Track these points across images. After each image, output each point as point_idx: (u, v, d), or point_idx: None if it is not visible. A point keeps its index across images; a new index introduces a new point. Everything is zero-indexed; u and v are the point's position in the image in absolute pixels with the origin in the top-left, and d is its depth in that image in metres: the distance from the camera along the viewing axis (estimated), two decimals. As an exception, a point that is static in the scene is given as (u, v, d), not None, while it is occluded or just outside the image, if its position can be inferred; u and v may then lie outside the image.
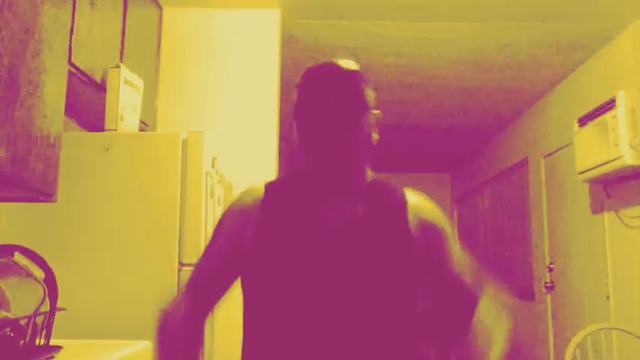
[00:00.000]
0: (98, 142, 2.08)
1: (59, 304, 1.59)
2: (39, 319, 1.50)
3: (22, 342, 1.42)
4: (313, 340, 1.09)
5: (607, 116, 3.17)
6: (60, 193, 1.66)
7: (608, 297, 3.47)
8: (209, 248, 1.24)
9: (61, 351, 1.55)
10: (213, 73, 3.02)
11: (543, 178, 4.59)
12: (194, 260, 1.32)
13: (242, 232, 1.17)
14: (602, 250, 3.55)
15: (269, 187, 1.22)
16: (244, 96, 2.99)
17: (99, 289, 2.00)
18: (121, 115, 2.20)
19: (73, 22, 1.92)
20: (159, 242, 2.02)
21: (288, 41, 3.37)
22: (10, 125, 1.38)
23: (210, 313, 1.30)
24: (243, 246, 1.16)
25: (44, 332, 1.53)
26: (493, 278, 1.26)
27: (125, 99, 2.23)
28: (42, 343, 1.52)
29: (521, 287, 5.02)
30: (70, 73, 1.88)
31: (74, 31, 1.93)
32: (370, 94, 1.21)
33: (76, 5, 1.95)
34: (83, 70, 2.01)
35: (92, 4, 2.09)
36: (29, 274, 1.54)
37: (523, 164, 5.09)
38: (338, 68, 1.18)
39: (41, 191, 1.56)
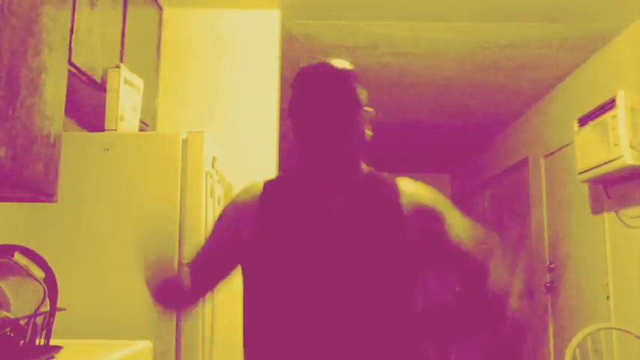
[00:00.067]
0: (98, 142, 2.07)
1: (59, 304, 1.59)
2: (39, 319, 1.50)
3: (22, 342, 1.42)
4: (310, 328, 1.12)
5: (607, 116, 3.16)
6: (60, 193, 1.65)
7: (608, 297, 3.47)
8: (209, 238, 1.34)
9: (61, 351, 1.55)
10: (213, 73, 3.02)
11: (543, 178, 4.59)
12: (194, 260, 1.37)
13: (240, 227, 1.23)
14: (602, 250, 3.55)
15: (267, 184, 1.27)
16: (244, 96, 2.99)
17: (99, 289, 2.00)
18: (121, 115, 2.20)
19: (73, 22, 1.92)
20: (159, 242, 2.02)
21: (288, 41, 3.37)
22: (10, 125, 1.38)
23: (205, 294, 1.47)
24: (240, 239, 1.22)
25: (44, 332, 1.53)
26: (502, 243, 1.26)
27: (125, 99, 2.23)
28: (42, 343, 1.52)
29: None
30: (70, 73, 1.88)
31: (74, 31, 1.93)
32: (363, 93, 1.23)
33: (76, 5, 1.94)
34: (83, 70, 2.01)
35: (92, 4, 2.09)
36: (29, 274, 1.54)
37: (523, 164, 5.09)
38: (331, 68, 1.21)
39: (41, 191, 1.56)
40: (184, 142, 2.11)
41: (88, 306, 1.96)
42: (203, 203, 2.09)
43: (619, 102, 3.07)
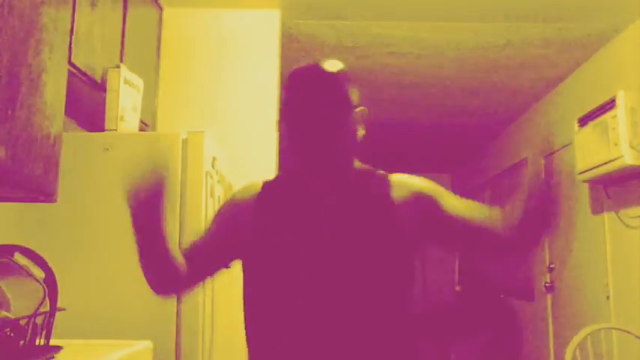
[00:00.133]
0: (98, 142, 2.07)
1: (59, 304, 1.59)
2: (39, 319, 1.50)
3: (22, 342, 1.42)
4: (306, 322, 1.15)
5: (607, 116, 3.16)
6: (60, 193, 1.65)
7: (608, 297, 3.46)
8: (206, 230, 1.36)
9: (61, 351, 1.55)
10: (213, 73, 3.02)
11: (543, 178, 4.58)
12: (194, 260, 1.37)
13: (238, 224, 1.27)
14: (602, 250, 3.55)
15: (266, 184, 1.30)
16: (244, 96, 2.99)
17: (99, 289, 2.00)
18: (121, 115, 2.20)
19: (73, 22, 1.92)
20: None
21: (288, 41, 3.37)
22: (10, 125, 1.38)
23: (197, 283, 1.46)
24: (237, 236, 1.27)
25: (44, 332, 1.53)
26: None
27: (125, 99, 2.23)
28: (42, 343, 1.52)
29: (521, 287, 5.02)
30: (70, 73, 1.88)
31: (74, 31, 1.93)
32: (354, 93, 1.25)
33: (76, 5, 1.94)
34: (83, 70, 2.01)
35: (92, 4, 2.09)
36: (29, 274, 1.54)
37: (523, 164, 5.09)
38: (321, 70, 1.23)
39: (41, 191, 1.56)
40: (184, 142, 2.11)
41: (88, 306, 1.96)
42: (203, 203, 2.09)
43: (619, 102, 3.07)
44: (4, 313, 1.44)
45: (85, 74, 2.03)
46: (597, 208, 3.66)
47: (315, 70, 1.23)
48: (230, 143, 2.76)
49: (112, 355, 1.57)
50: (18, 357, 1.40)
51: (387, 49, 3.58)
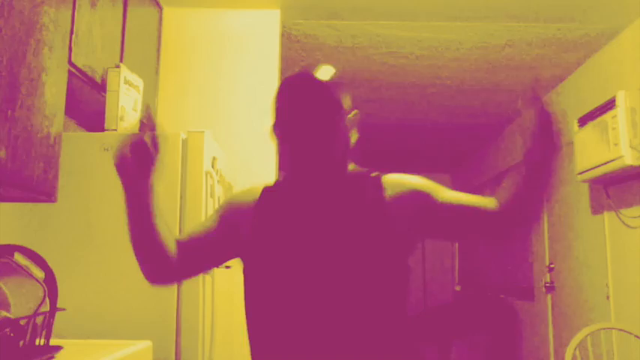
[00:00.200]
0: (98, 142, 2.07)
1: (59, 304, 1.59)
2: (39, 319, 1.50)
3: (22, 342, 1.42)
4: (302, 322, 1.18)
5: (607, 116, 3.16)
6: (60, 193, 1.65)
7: (608, 297, 3.47)
8: (203, 226, 1.39)
9: (61, 351, 1.55)
10: (213, 73, 3.02)
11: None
12: (194, 260, 1.38)
13: (235, 227, 1.30)
14: (602, 250, 3.55)
15: (265, 189, 1.33)
16: (244, 96, 2.99)
17: (99, 289, 2.00)
18: (121, 115, 2.20)
19: (73, 22, 1.92)
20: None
21: (288, 41, 3.37)
22: (10, 125, 1.38)
23: (188, 276, 1.50)
24: (234, 238, 1.30)
25: (44, 332, 1.53)
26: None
27: (125, 99, 2.23)
28: (42, 343, 1.52)
29: (521, 287, 5.02)
30: (70, 73, 1.88)
31: (74, 31, 1.93)
32: (346, 98, 1.27)
33: (76, 5, 1.95)
34: (83, 70, 2.02)
35: (92, 4, 2.09)
36: (29, 274, 1.54)
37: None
38: (314, 76, 1.24)
39: (41, 191, 1.56)
40: (184, 142, 2.11)
41: (87, 306, 1.96)
42: (203, 203, 2.09)
43: (619, 102, 3.06)
44: (4, 313, 1.44)
45: (85, 74, 2.03)
46: (597, 208, 3.66)
47: (307, 77, 1.25)
48: (230, 143, 2.76)
49: (112, 355, 1.57)
50: (18, 357, 1.40)
51: (387, 49, 3.58)
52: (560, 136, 1.22)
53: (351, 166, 1.31)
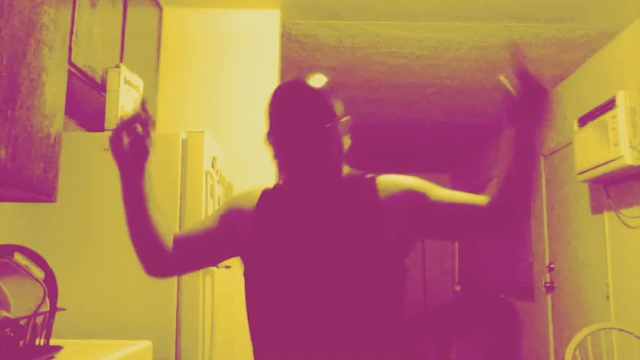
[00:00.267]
0: (98, 142, 2.07)
1: (59, 304, 1.59)
2: (39, 319, 1.50)
3: (22, 342, 1.42)
4: (302, 323, 1.20)
5: (607, 116, 3.16)
6: (60, 193, 1.65)
7: (608, 297, 3.47)
8: (203, 224, 1.42)
9: (61, 351, 1.55)
10: (213, 73, 3.02)
11: (543, 178, 4.59)
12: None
13: (234, 229, 1.32)
14: (602, 250, 3.55)
15: (265, 192, 1.36)
16: (244, 96, 2.99)
17: (99, 289, 2.00)
18: (121, 115, 2.20)
19: (73, 22, 1.92)
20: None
21: (288, 41, 3.37)
22: (10, 125, 1.38)
23: (184, 271, 1.57)
24: (232, 240, 1.33)
25: (44, 332, 1.53)
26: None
27: (125, 99, 2.23)
28: (42, 343, 1.52)
29: (521, 287, 5.02)
30: (70, 73, 1.88)
31: (74, 31, 1.93)
32: (338, 104, 1.29)
33: (76, 5, 1.95)
34: (83, 70, 2.01)
35: (92, 4, 2.09)
36: (29, 274, 1.54)
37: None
38: (306, 84, 1.26)
39: (41, 191, 1.56)
40: (184, 142, 2.11)
41: (87, 306, 1.96)
42: (203, 203, 2.09)
43: (619, 102, 3.07)
44: (4, 313, 1.44)
45: (85, 74, 2.03)
46: (597, 208, 3.66)
47: (299, 85, 1.27)
48: (230, 143, 2.76)
49: (112, 355, 1.57)
50: (18, 357, 1.40)
51: (387, 49, 3.58)
52: (548, 107, 1.16)
53: (345, 169, 1.32)
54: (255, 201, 1.34)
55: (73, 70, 1.93)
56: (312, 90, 1.26)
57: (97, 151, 2.06)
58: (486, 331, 5.42)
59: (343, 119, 1.29)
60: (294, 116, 1.23)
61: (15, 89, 1.40)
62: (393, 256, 1.23)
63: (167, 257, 1.33)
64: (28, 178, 1.48)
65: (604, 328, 2.68)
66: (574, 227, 4.04)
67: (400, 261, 1.25)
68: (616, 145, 3.04)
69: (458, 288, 7.39)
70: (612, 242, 3.46)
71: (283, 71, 3.17)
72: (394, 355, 1.21)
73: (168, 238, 1.33)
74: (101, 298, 1.99)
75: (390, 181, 1.28)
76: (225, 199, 2.44)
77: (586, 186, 3.75)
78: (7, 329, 1.37)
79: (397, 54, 3.65)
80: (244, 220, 1.32)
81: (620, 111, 3.05)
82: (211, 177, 2.19)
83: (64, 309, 1.60)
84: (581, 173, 3.48)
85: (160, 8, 2.98)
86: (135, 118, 1.28)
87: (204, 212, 2.09)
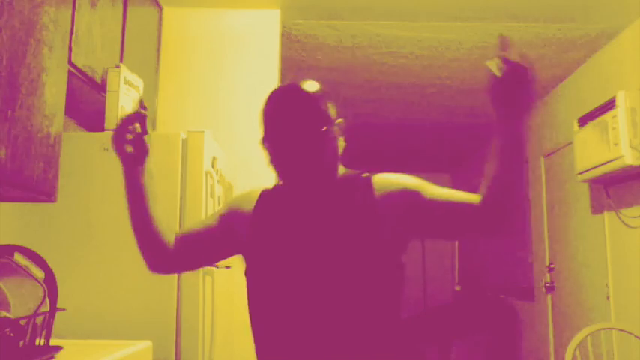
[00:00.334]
0: (98, 142, 2.07)
1: (59, 304, 1.59)
2: (39, 319, 1.50)
3: (22, 342, 1.42)
4: (301, 322, 1.21)
5: (607, 116, 3.16)
6: (60, 193, 1.66)
7: (608, 297, 3.47)
8: (203, 223, 1.46)
9: (61, 351, 1.55)
10: (213, 73, 3.02)
11: (543, 178, 4.59)
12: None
13: (234, 229, 1.35)
14: (602, 250, 3.55)
15: (264, 193, 1.38)
16: (244, 96, 2.99)
17: (99, 289, 2.00)
18: (121, 115, 2.20)
19: (73, 22, 1.92)
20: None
21: (288, 41, 3.37)
22: (10, 125, 1.38)
23: (184, 268, 1.63)
24: (231, 241, 1.36)
25: (44, 332, 1.53)
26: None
27: (125, 99, 2.23)
28: (42, 343, 1.52)
29: (521, 287, 5.02)
30: (70, 73, 1.88)
31: (74, 31, 1.93)
32: (332, 107, 1.30)
33: (76, 5, 1.95)
34: (83, 70, 2.01)
35: (92, 4, 2.09)
36: (29, 274, 1.54)
37: (523, 164, 5.09)
38: (300, 88, 1.28)
39: (41, 191, 1.56)
40: (184, 142, 2.11)
41: (87, 306, 1.96)
42: (203, 203, 2.09)
43: (619, 102, 3.07)
44: (4, 313, 1.44)
45: (85, 74, 2.03)
46: (597, 208, 3.66)
47: (293, 89, 1.29)
48: (230, 143, 2.77)
49: (112, 355, 1.57)
50: (18, 357, 1.40)
51: (387, 49, 3.58)
52: (532, 88, 1.14)
53: (341, 170, 1.33)
54: (254, 202, 1.36)
55: (73, 70, 1.93)
56: (307, 94, 1.27)
57: (97, 151, 2.06)
58: (486, 331, 5.42)
59: (337, 121, 1.30)
60: (290, 121, 1.25)
61: (15, 89, 1.40)
62: (389, 254, 1.24)
63: (168, 253, 1.37)
64: (28, 178, 1.48)
65: (604, 328, 2.68)
66: (574, 227, 4.04)
67: (397, 258, 1.26)
68: (616, 145, 3.04)
69: (458, 288, 7.39)
70: (612, 242, 3.46)
71: (283, 71, 3.17)
72: (393, 352, 1.21)
73: (169, 235, 1.37)
74: (101, 298, 1.99)
75: (386, 180, 1.29)
76: (225, 199, 2.44)
77: (586, 186, 3.75)
78: (7, 329, 1.37)
79: (397, 54, 3.65)
80: (243, 221, 1.34)
81: (620, 111, 3.05)
82: (211, 177, 2.19)
83: (64, 309, 1.60)
84: (581, 173, 3.48)
85: (160, 8, 2.98)
86: (134, 117, 1.32)
87: (204, 212, 2.09)
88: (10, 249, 1.58)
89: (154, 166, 1.37)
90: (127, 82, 2.25)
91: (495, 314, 5.43)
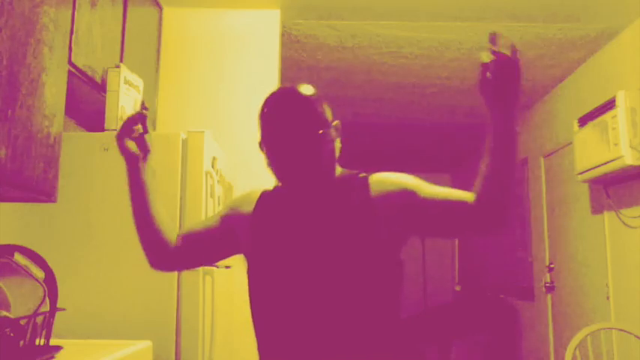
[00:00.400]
0: (98, 142, 2.07)
1: (59, 304, 1.59)
2: (39, 319, 1.50)
3: (22, 342, 1.42)
4: (300, 321, 1.23)
5: (607, 116, 3.16)
6: (60, 193, 1.66)
7: (608, 297, 3.47)
8: (205, 223, 1.51)
9: (61, 351, 1.55)
10: (213, 73, 3.02)
11: (543, 178, 4.59)
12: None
13: (234, 230, 1.37)
14: (602, 250, 3.55)
15: (264, 194, 1.40)
16: (244, 96, 2.99)
17: (99, 289, 2.00)
18: (121, 115, 2.20)
19: (73, 22, 1.92)
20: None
21: (288, 41, 3.37)
22: (10, 125, 1.38)
23: (186, 267, 1.68)
24: (231, 241, 1.38)
25: (44, 332, 1.53)
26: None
27: (125, 99, 2.23)
28: (42, 343, 1.52)
29: (521, 287, 5.02)
30: (70, 73, 1.88)
31: (74, 31, 1.93)
32: (328, 110, 1.31)
33: (76, 5, 1.94)
34: (83, 70, 2.01)
35: (92, 4, 2.09)
36: (29, 274, 1.54)
37: (523, 164, 5.09)
38: (296, 91, 1.29)
39: (41, 191, 1.56)
40: (184, 142, 2.11)
41: (87, 306, 1.96)
42: (203, 203, 2.09)
43: (619, 102, 3.06)
44: (4, 313, 1.44)
45: (85, 74, 2.03)
46: (597, 208, 3.66)
47: (290, 92, 1.30)
48: (230, 143, 2.76)
49: (112, 355, 1.57)
50: (18, 357, 1.40)
51: (387, 49, 3.58)
52: (519, 79, 1.15)
53: (338, 170, 1.34)
54: (254, 203, 1.38)
55: (73, 70, 1.93)
56: (303, 97, 1.28)
57: (97, 151, 2.06)
58: (486, 331, 5.42)
59: (334, 123, 1.31)
60: (287, 124, 1.26)
61: (15, 89, 1.40)
62: (387, 252, 1.25)
63: (170, 251, 1.40)
64: (28, 178, 1.48)
65: (604, 328, 2.68)
66: (574, 227, 4.04)
67: (395, 256, 1.27)
68: (616, 145, 3.04)
69: (458, 288, 7.39)
70: (612, 242, 3.46)
71: (283, 71, 3.17)
72: (393, 352, 1.22)
73: (171, 233, 1.41)
74: (101, 298, 1.99)
75: (382, 180, 1.30)
76: (225, 199, 2.44)
77: (586, 186, 3.75)
78: (7, 329, 1.37)
79: (397, 54, 3.65)
80: (243, 222, 1.36)
81: (620, 111, 3.05)
82: (211, 177, 2.19)
83: (64, 309, 1.60)
84: (581, 173, 3.48)
85: (160, 8, 2.98)
86: (137, 118, 1.36)
87: (204, 212, 2.09)
88: (10, 249, 1.58)
89: (155, 164, 1.40)
90: (127, 82, 2.25)
91: (495, 314, 5.43)
